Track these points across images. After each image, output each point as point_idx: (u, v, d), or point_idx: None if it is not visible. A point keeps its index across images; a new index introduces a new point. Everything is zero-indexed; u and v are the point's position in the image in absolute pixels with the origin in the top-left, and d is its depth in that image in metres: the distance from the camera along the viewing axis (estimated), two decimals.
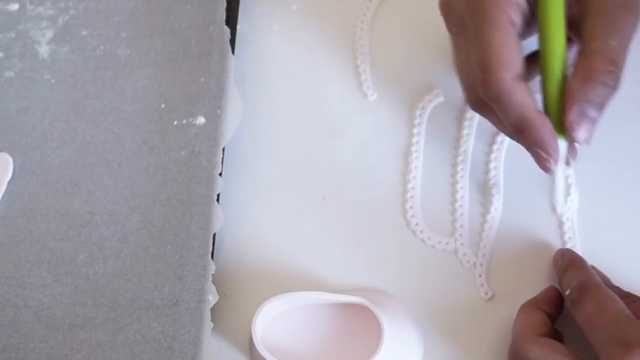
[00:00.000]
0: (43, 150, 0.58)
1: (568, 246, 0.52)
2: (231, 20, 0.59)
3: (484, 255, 0.53)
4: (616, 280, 0.51)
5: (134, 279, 0.54)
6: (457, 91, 0.52)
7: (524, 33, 0.50)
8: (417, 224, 0.55)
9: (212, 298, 0.52)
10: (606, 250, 0.52)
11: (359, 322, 0.52)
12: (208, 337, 0.51)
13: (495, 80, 0.47)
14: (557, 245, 0.53)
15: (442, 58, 0.58)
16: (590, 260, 0.51)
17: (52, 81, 0.60)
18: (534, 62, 0.49)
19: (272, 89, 0.59)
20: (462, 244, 0.54)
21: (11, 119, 0.59)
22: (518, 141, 0.49)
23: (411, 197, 0.56)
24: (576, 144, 0.49)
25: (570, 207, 0.53)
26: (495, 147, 0.56)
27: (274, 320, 0.52)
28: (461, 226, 0.54)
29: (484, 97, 0.48)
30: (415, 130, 0.57)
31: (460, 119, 0.56)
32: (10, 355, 0.53)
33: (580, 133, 0.47)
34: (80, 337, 0.53)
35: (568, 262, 0.50)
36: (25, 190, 0.57)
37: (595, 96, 0.47)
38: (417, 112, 0.57)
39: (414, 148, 0.56)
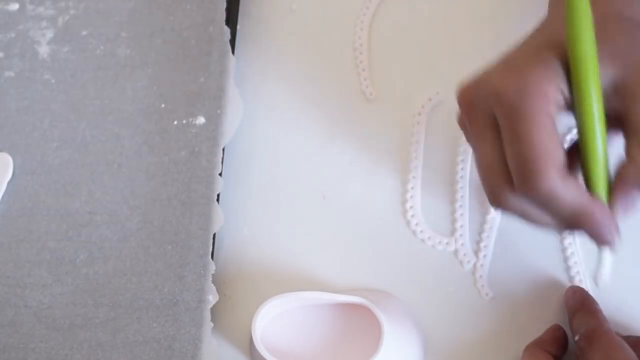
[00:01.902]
0: (43, 150, 0.58)
1: (568, 250, 0.52)
2: (231, 20, 0.59)
3: (485, 255, 0.53)
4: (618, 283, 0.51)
5: (134, 279, 0.54)
6: None
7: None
8: (417, 224, 0.55)
9: (212, 298, 0.52)
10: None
11: (359, 322, 0.52)
12: (208, 337, 0.51)
13: (545, 182, 0.44)
14: (557, 245, 0.53)
15: (442, 58, 0.58)
16: (591, 260, 0.51)
17: (52, 81, 0.60)
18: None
19: (272, 89, 0.59)
20: (462, 244, 0.54)
21: (11, 119, 0.59)
22: (566, 229, 0.47)
23: (411, 197, 0.55)
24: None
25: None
26: None
27: (274, 320, 0.52)
28: (461, 226, 0.54)
29: (527, 199, 0.46)
30: (415, 130, 0.57)
31: None
32: (10, 355, 0.53)
33: (623, 215, 0.46)
34: (80, 337, 0.53)
35: (578, 304, 0.49)
36: (25, 190, 0.57)
37: None
38: (417, 112, 0.57)
39: (413, 148, 0.56)
